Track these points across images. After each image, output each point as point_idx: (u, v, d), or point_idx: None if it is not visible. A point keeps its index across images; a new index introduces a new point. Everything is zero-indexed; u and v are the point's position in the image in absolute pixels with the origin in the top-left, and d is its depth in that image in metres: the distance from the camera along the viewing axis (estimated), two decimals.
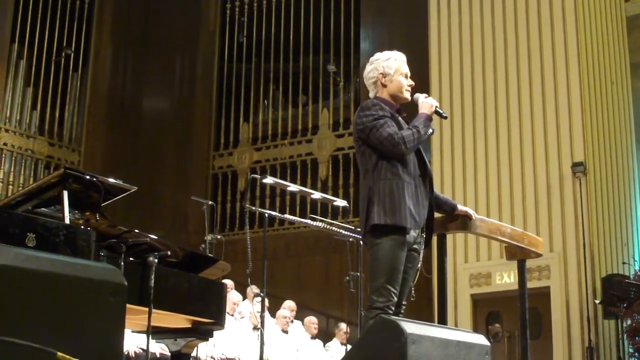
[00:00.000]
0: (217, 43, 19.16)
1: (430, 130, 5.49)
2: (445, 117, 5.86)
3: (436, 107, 5.55)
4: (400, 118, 5.47)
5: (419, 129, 5.36)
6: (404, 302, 5.34)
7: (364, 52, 17.48)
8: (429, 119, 5.47)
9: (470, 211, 5.74)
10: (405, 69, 5.61)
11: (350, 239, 8.31)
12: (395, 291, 5.10)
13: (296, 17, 18.34)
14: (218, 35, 19.20)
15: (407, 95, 5.56)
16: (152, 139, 18.42)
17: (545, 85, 13.37)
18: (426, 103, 5.52)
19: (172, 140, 18.59)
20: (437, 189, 12.23)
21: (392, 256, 5.13)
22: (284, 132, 18.07)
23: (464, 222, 5.76)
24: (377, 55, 5.70)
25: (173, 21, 19.19)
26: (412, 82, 5.63)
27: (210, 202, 10.02)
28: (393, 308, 5.06)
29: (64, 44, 17.41)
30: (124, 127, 18.26)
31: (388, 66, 5.58)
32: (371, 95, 5.59)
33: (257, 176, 8.45)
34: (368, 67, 5.66)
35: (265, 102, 18.60)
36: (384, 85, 5.53)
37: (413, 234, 5.28)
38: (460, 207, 5.70)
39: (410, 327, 4.00)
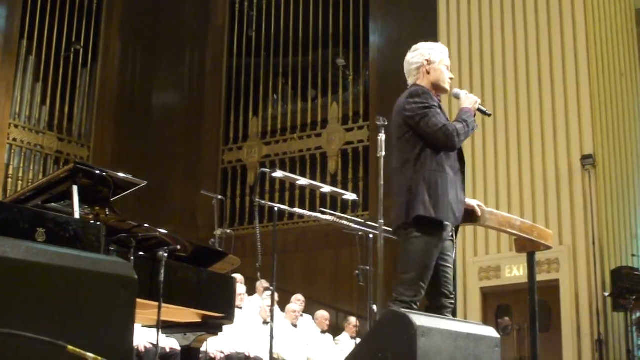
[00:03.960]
0: (226, 37, 19.16)
1: (476, 126, 5.48)
2: (490, 115, 5.84)
3: (479, 103, 5.56)
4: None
5: (468, 123, 5.36)
6: (453, 292, 5.33)
7: (373, 45, 17.48)
8: (473, 114, 5.47)
9: (478, 205, 5.69)
10: (448, 61, 5.59)
11: (360, 233, 8.30)
12: (424, 287, 5.08)
13: (305, 11, 18.33)
14: (227, 29, 19.20)
15: (448, 87, 5.54)
16: (161, 134, 18.45)
17: (554, 77, 13.34)
18: (470, 98, 5.53)
19: (182, 134, 18.60)
20: None
21: (429, 252, 5.13)
22: (293, 126, 18.06)
23: (473, 215, 5.75)
24: (420, 44, 5.66)
25: (182, 16, 19.21)
26: (452, 75, 5.63)
27: (219, 197, 10.02)
28: (419, 304, 5.03)
29: (73, 39, 17.44)
30: (134, 122, 18.29)
31: (434, 54, 5.53)
32: (410, 81, 5.56)
33: (267, 170, 8.44)
34: (410, 54, 5.62)
35: (275, 96, 18.60)
36: (427, 73, 5.48)
37: (449, 228, 5.25)
38: (469, 200, 5.66)
39: (420, 320, 4.01)
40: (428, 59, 5.50)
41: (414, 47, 5.66)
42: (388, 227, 6.52)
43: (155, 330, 6.33)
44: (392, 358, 3.95)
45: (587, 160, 12.47)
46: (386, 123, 6.28)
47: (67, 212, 5.52)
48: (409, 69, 5.58)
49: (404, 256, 5.14)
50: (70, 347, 2.75)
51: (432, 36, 14.67)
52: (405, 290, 5.04)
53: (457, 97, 5.66)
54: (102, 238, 5.27)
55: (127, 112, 18.33)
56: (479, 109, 5.57)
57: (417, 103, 5.26)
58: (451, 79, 5.59)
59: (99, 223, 5.38)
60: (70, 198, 5.56)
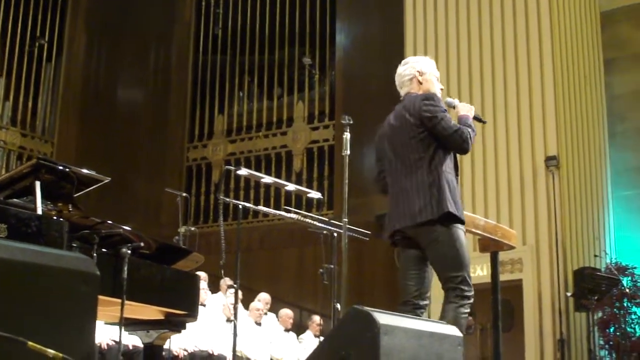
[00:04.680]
0: (192, 34, 19.12)
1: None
2: (485, 122, 6.16)
3: (474, 111, 5.74)
4: None
5: (473, 129, 5.53)
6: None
7: (340, 45, 17.50)
8: (471, 121, 5.63)
9: None
10: (437, 73, 5.80)
11: (325, 232, 8.29)
12: None
13: (272, 9, 18.32)
14: (193, 26, 19.16)
15: (439, 96, 5.66)
16: (126, 130, 18.35)
17: (519, 79, 13.42)
18: (466, 106, 5.72)
19: (146, 131, 18.52)
20: None
21: (465, 247, 5.40)
22: (259, 124, 18.06)
23: None
24: (410, 58, 5.92)
25: (148, 12, 19.11)
26: (442, 86, 5.83)
27: (184, 194, 10.00)
28: None
29: (38, 34, 17.31)
30: (98, 118, 18.18)
31: (425, 66, 5.73)
32: (403, 92, 5.72)
33: (232, 168, 8.40)
34: (402, 67, 5.78)
35: (240, 94, 18.58)
36: (420, 83, 5.67)
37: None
38: None
39: (383, 318, 4.01)
40: (419, 70, 5.69)
41: (404, 60, 5.85)
42: (352, 225, 6.52)
43: (118, 327, 6.29)
44: (355, 356, 3.95)
45: (551, 161, 12.55)
46: (351, 122, 6.30)
47: (29, 208, 5.48)
48: (402, 80, 5.73)
49: (449, 252, 5.31)
50: (30, 343, 2.72)
51: (399, 37, 14.73)
52: (466, 285, 5.31)
53: (452, 106, 5.79)
54: (65, 234, 5.24)
55: (92, 108, 18.22)
56: (475, 117, 5.72)
57: (434, 105, 5.42)
58: (441, 89, 5.76)
59: (61, 219, 5.36)
60: (33, 194, 5.52)
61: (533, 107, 13.15)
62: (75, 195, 6.05)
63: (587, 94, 14.57)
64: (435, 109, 5.40)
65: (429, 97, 5.49)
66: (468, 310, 5.34)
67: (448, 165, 5.46)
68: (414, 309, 5.47)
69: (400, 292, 5.63)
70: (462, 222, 5.41)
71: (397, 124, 5.58)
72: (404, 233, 5.48)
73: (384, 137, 5.73)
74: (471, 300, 5.31)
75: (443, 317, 5.26)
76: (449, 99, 5.78)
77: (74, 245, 5.72)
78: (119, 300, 5.96)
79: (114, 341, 8.81)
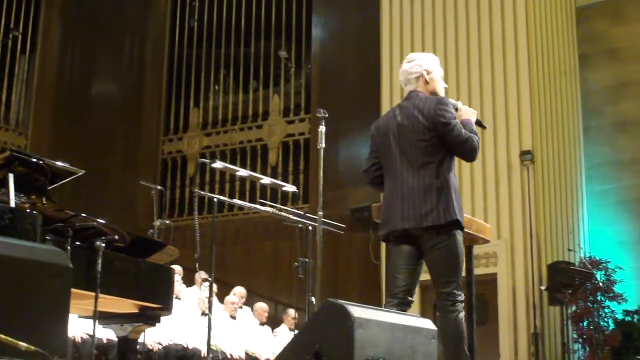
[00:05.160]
0: (167, 27, 19.06)
1: None
2: (485, 127, 6.15)
3: (477, 115, 5.80)
4: None
5: (476, 133, 5.63)
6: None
7: (316, 38, 17.49)
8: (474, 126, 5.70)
9: None
10: (441, 72, 5.83)
11: (300, 225, 8.29)
12: None
13: (248, 2, 18.29)
14: (169, 19, 19.10)
15: (443, 95, 5.74)
16: (100, 123, 18.26)
17: (495, 74, 13.46)
18: (470, 110, 5.76)
19: (121, 124, 18.45)
20: None
21: (463, 253, 5.51)
22: (234, 118, 18.03)
23: None
24: (415, 54, 5.92)
25: (123, 4, 19.03)
26: (446, 85, 5.90)
27: (159, 187, 9.95)
28: None
29: (12, 26, 17.19)
30: (72, 110, 18.08)
31: (430, 65, 5.77)
32: (409, 88, 5.74)
33: (207, 161, 8.39)
34: (408, 64, 5.78)
35: (216, 87, 18.54)
36: (426, 82, 5.71)
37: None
38: None
39: (358, 311, 4.01)
40: (427, 69, 5.73)
41: (410, 57, 5.86)
42: (328, 219, 6.51)
43: (92, 320, 6.26)
44: (329, 349, 3.95)
45: (526, 156, 12.59)
46: (327, 115, 6.29)
47: (2, 200, 5.45)
48: (408, 77, 5.75)
49: (448, 258, 5.40)
50: (2, 335, 2.71)
51: (375, 31, 14.75)
52: (459, 290, 5.39)
53: (455, 108, 5.76)
54: (38, 227, 5.22)
55: (66, 100, 18.12)
56: (477, 121, 5.76)
57: (448, 111, 5.49)
58: (445, 88, 5.85)
59: (35, 212, 5.33)
60: (6, 186, 5.49)
61: (508, 102, 13.19)
62: (49, 188, 6.02)
63: (562, 89, 14.63)
64: (450, 115, 5.48)
65: (443, 101, 5.55)
66: (462, 313, 5.40)
67: (453, 170, 5.56)
68: (400, 303, 5.48)
69: (388, 286, 5.68)
70: (463, 229, 5.50)
71: (407, 124, 5.55)
72: (406, 231, 5.50)
73: (388, 132, 5.65)
74: (463, 303, 5.41)
75: (443, 328, 5.31)
76: (452, 101, 5.75)
77: (48, 238, 5.70)
78: (93, 294, 5.93)
79: (88, 335, 8.78)
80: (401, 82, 5.84)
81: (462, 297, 5.41)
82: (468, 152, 5.53)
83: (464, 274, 5.91)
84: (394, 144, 5.60)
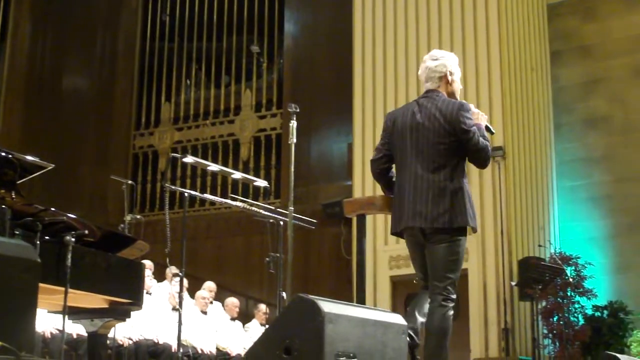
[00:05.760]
0: (139, 21, 18.96)
1: None
2: (494, 133, 6.13)
3: (487, 120, 5.85)
4: None
5: (486, 138, 5.67)
6: None
7: (288, 33, 17.47)
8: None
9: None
10: (460, 73, 5.90)
11: (271, 220, 8.29)
12: None
13: None
14: (140, 13, 19.00)
15: (459, 98, 5.81)
16: (71, 117, 18.16)
17: (466, 70, 13.46)
18: (481, 115, 5.78)
19: (92, 118, 18.36)
20: (360, 174, 12.27)
21: (464, 255, 5.64)
22: (206, 112, 17.98)
23: (384, 203, 5.83)
24: (440, 52, 5.97)
25: None
26: (461, 86, 5.95)
27: (129, 182, 9.90)
28: None
29: None
30: (43, 104, 17.96)
31: (454, 65, 5.84)
32: (429, 86, 5.79)
33: (178, 155, 8.37)
34: (433, 62, 5.84)
35: (188, 81, 18.48)
36: (448, 83, 5.77)
37: None
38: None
39: (328, 307, 4.01)
40: (451, 70, 5.79)
41: (434, 54, 5.93)
42: (299, 214, 6.50)
43: (61, 316, 6.23)
44: (300, 344, 3.95)
45: (497, 152, 12.61)
46: (298, 110, 6.29)
47: None
48: (431, 75, 5.80)
49: (449, 257, 5.49)
50: None
51: (347, 26, 14.74)
52: (453, 288, 5.47)
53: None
54: (7, 221, 5.18)
55: (36, 94, 18.00)
56: (486, 127, 5.77)
57: (470, 119, 5.54)
58: (461, 89, 5.91)
59: (3, 206, 5.29)
60: None
61: (480, 97, 13.23)
62: (18, 182, 5.98)
63: (533, 85, 14.69)
64: (470, 122, 5.53)
65: (466, 107, 5.59)
66: (452, 312, 5.48)
67: (466, 175, 5.65)
68: (425, 287, 5.71)
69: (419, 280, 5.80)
70: (474, 231, 5.63)
71: (428, 124, 5.58)
72: (416, 229, 5.59)
73: (405, 129, 5.67)
74: (454, 303, 5.49)
75: (430, 319, 5.45)
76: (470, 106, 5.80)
77: (17, 232, 5.65)
78: (63, 289, 5.90)
79: (58, 330, 8.72)
80: (421, 77, 5.89)
81: (455, 296, 5.48)
82: (483, 160, 5.63)
83: None
84: (410, 141, 5.63)
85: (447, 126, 5.51)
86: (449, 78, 5.75)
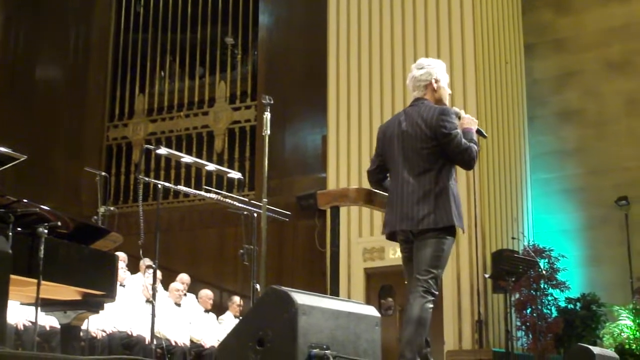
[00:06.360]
0: (113, 12, 18.89)
1: None
2: (486, 137, 6.32)
3: (477, 124, 5.99)
4: None
5: (476, 143, 5.84)
6: None
7: (263, 25, 17.45)
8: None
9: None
10: (448, 79, 6.08)
11: (245, 212, 8.28)
12: None
13: None
14: (114, 4, 18.94)
15: (448, 103, 5.98)
16: (45, 108, 18.06)
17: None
18: (470, 119, 5.96)
19: (66, 110, 18.27)
20: (334, 166, 12.26)
21: (450, 253, 5.79)
22: (180, 104, 17.95)
23: (358, 195, 5.88)
24: (427, 60, 6.12)
25: None
26: (450, 91, 6.10)
27: (103, 173, 9.86)
28: None
29: None
30: (16, 95, 17.84)
31: (440, 72, 6.00)
32: (416, 94, 5.95)
33: (151, 147, 8.34)
34: (418, 71, 5.98)
35: (162, 73, 18.42)
36: (434, 90, 5.93)
37: None
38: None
39: (301, 298, 4.02)
40: (436, 78, 5.95)
41: (419, 63, 6.06)
42: (274, 206, 6.50)
43: (34, 308, 6.20)
44: (273, 336, 3.96)
45: None
46: (272, 102, 6.29)
47: None
48: (417, 84, 5.95)
49: (434, 253, 5.65)
50: None
51: (322, 19, 14.73)
52: (435, 284, 5.61)
53: (458, 116, 5.93)
54: None
55: (9, 85, 17.89)
56: (477, 130, 5.94)
57: (450, 122, 5.71)
58: (450, 94, 6.05)
59: None
60: None
61: (454, 90, 13.18)
62: None
63: (507, 78, 14.74)
64: (451, 125, 5.70)
65: (446, 111, 5.76)
66: (432, 306, 5.60)
67: (453, 177, 5.79)
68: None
69: (408, 278, 5.88)
70: (462, 231, 5.93)
71: (411, 132, 5.78)
72: (405, 232, 5.78)
73: (393, 138, 5.89)
74: (436, 298, 5.62)
75: (409, 309, 5.57)
76: (455, 109, 5.94)
77: None
78: (35, 280, 5.87)
79: (31, 322, 8.69)
80: (408, 87, 6.04)
81: (437, 292, 5.62)
82: (467, 161, 5.76)
83: None
84: (397, 149, 5.83)
85: (429, 131, 5.70)
86: (435, 85, 5.90)
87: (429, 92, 5.90)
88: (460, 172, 12.09)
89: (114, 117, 18.47)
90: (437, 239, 5.65)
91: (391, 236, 5.94)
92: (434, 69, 5.97)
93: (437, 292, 5.64)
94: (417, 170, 5.71)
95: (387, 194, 5.97)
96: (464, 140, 5.72)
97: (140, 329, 9.98)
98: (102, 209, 9.43)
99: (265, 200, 6.59)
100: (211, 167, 8.46)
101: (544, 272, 12.72)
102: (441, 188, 5.67)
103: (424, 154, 5.71)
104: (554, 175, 15.24)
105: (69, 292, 6.57)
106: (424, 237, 5.65)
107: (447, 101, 5.98)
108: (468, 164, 5.83)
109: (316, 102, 15.28)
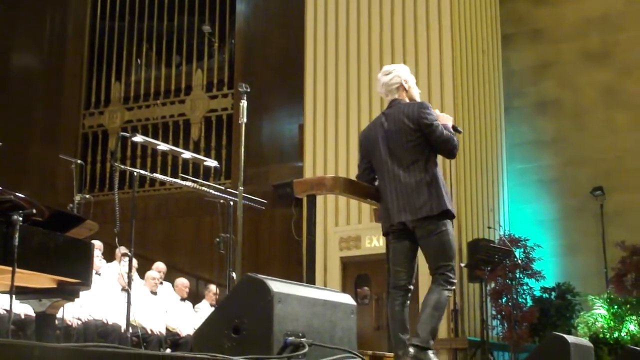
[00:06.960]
0: (89, 0, 18.79)
1: None
2: (461, 132, 6.55)
3: (452, 121, 6.24)
4: None
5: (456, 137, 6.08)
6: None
7: (240, 13, 17.41)
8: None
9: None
10: (414, 78, 6.33)
11: (221, 201, 8.27)
12: None
13: None
14: None
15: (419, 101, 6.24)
16: (20, 96, 17.96)
17: (418, 52, 13.55)
18: (446, 117, 6.21)
19: (41, 97, 18.18)
20: (311, 155, 12.27)
21: (454, 239, 6.01)
22: (157, 92, 17.90)
23: (334, 183, 5.90)
24: (391, 66, 6.33)
25: None
26: (420, 90, 6.35)
27: (79, 161, 9.82)
28: None
29: None
30: None
31: (407, 74, 6.24)
32: (391, 97, 6.18)
33: (127, 134, 8.31)
34: (386, 77, 6.19)
35: (138, 61, 18.35)
36: (405, 90, 6.18)
37: None
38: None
39: (277, 286, 4.01)
40: (405, 79, 6.19)
41: (386, 70, 6.26)
42: (250, 194, 6.48)
43: (9, 296, 6.17)
44: (249, 324, 3.95)
45: None
46: (248, 90, 6.28)
47: None
48: (390, 88, 6.18)
49: (442, 245, 5.92)
50: None
51: (299, 7, 14.72)
52: (452, 274, 5.96)
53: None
54: None
55: None
56: (453, 126, 6.15)
57: (431, 114, 5.97)
58: (419, 93, 6.30)
59: None
60: None
61: (431, 80, 13.30)
62: None
63: (484, 68, 14.77)
64: (432, 117, 5.96)
65: (425, 105, 6.04)
66: (451, 295, 6.05)
67: (438, 166, 6.04)
68: (406, 292, 6.19)
69: (391, 278, 6.21)
70: (453, 217, 6.00)
71: (395, 129, 6.01)
72: (403, 225, 5.96)
73: (377, 139, 6.08)
74: (454, 287, 6.01)
75: (428, 296, 6.00)
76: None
77: None
78: (10, 268, 5.84)
79: (5, 310, 8.67)
80: (381, 93, 6.28)
81: (455, 280, 6.01)
82: (449, 150, 6.02)
83: (384, 250, 6.00)
84: (383, 148, 6.03)
85: (412, 125, 5.93)
86: (406, 86, 6.15)
87: (402, 92, 6.14)
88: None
89: (90, 104, 18.40)
90: (440, 230, 5.87)
91: (387, 233, 6.14)
92: (400, 72, 6.20)
93: (455, 281, 6.00)
94: (406, 162, 5.92)
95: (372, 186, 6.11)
96: (445, 131, 5.96)
97: (116, 317, 9.96)
98: (77, 197, 9.40)
99: (242, 188, 6.58)
100: (187, 155, 8.44)
101: (519, 261, 12.78)
102: (431, 176, 5.87)
103: (410, 147, 5.92)
104: (530, 165, 15.30)
105: (44, 280, 6.53)
106: (426, 228, 5.88)
107: (418, 99, 6.20)
108: (451, 153, 6.07)
109: (293, 91, 15.27)
